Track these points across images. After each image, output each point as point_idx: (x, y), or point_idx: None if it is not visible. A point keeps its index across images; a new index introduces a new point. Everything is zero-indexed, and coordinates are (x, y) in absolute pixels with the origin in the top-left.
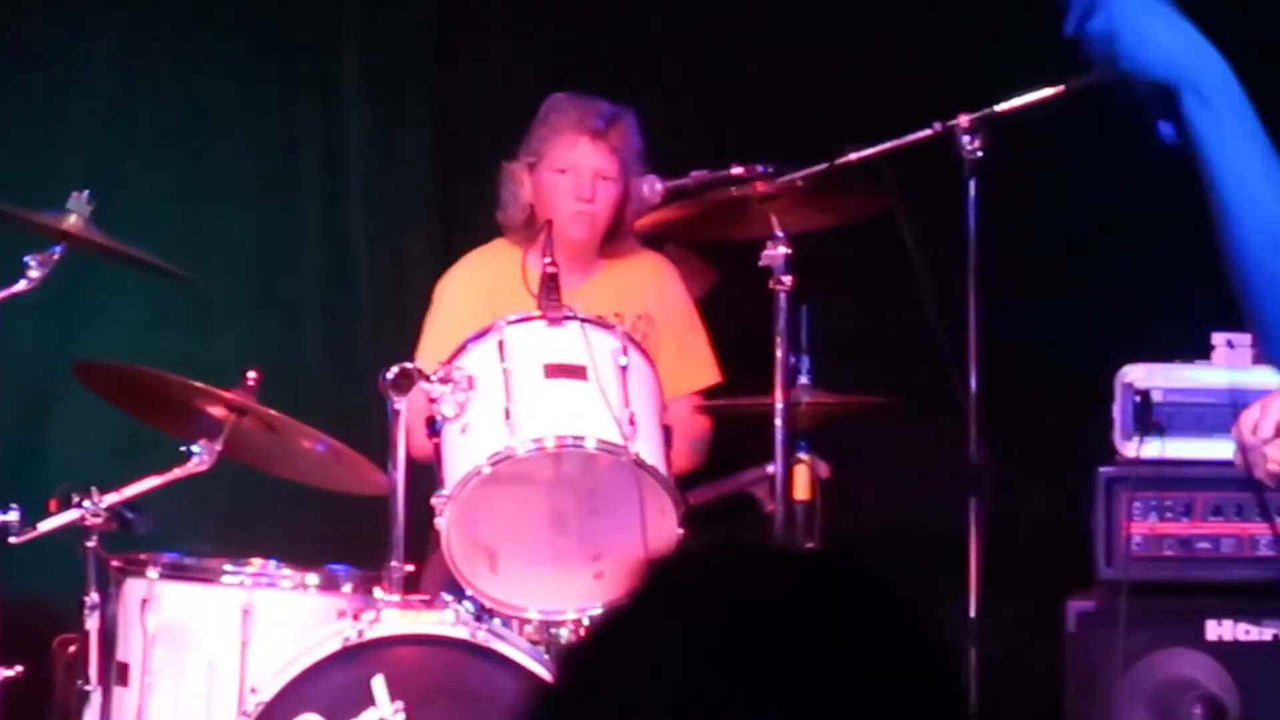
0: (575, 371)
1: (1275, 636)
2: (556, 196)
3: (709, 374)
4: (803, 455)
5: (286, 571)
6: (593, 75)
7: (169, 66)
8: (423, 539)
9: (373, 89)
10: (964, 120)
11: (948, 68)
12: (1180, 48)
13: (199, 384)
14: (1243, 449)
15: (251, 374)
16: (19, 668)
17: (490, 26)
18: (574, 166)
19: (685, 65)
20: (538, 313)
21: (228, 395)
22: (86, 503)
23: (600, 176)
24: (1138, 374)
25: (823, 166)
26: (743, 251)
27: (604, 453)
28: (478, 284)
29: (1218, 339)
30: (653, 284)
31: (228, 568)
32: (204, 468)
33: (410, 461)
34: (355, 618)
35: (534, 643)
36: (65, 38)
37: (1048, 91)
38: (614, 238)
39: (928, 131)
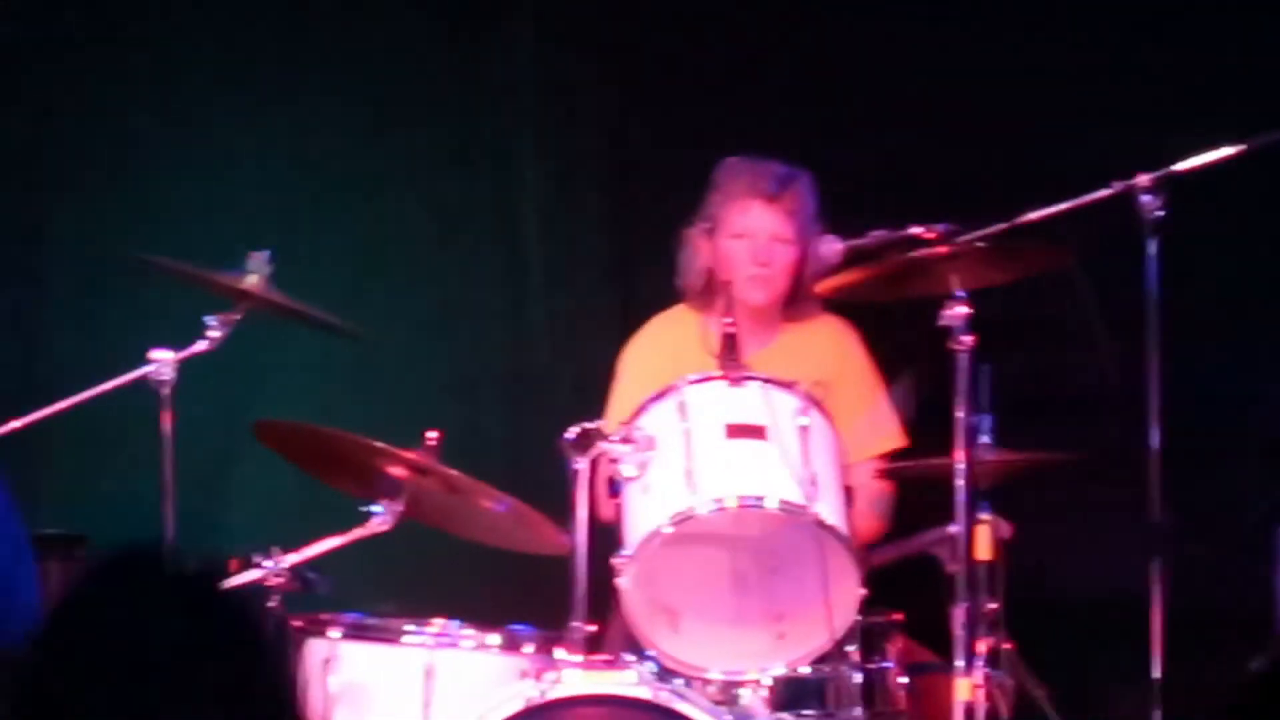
0: (756, 431)
1: None
2: (734, 262)
3: (892, 438)
4: (984, 515)
5: (468, 631)
6: (768, 137)
7: (346, 128)
8: (604, 599)
9: (551, 151)
10: (1144, 180)
11: (1126, 126)
12: None
13: (380, 444)
14: None
15: (432, 434)
16: None
17: (668, 89)
18: (750, 231)
19: (861, 125)
20: (718, 373)
21: (409, 455)
22: (268, 563)
23: (777, 240)
24: None
25: (1003, 226)
26: (921, 309)
27: (785, 513)
28: (661, 348)
29: None
30: (832, 348)
31: (409, 628)
32: (385, 528)
33: (591, 521)
34: (537, 678)
35: (716, 703)
36: (242, 99)
37: (1229, 150)
38: (794, 301)
39: (1107, 191)
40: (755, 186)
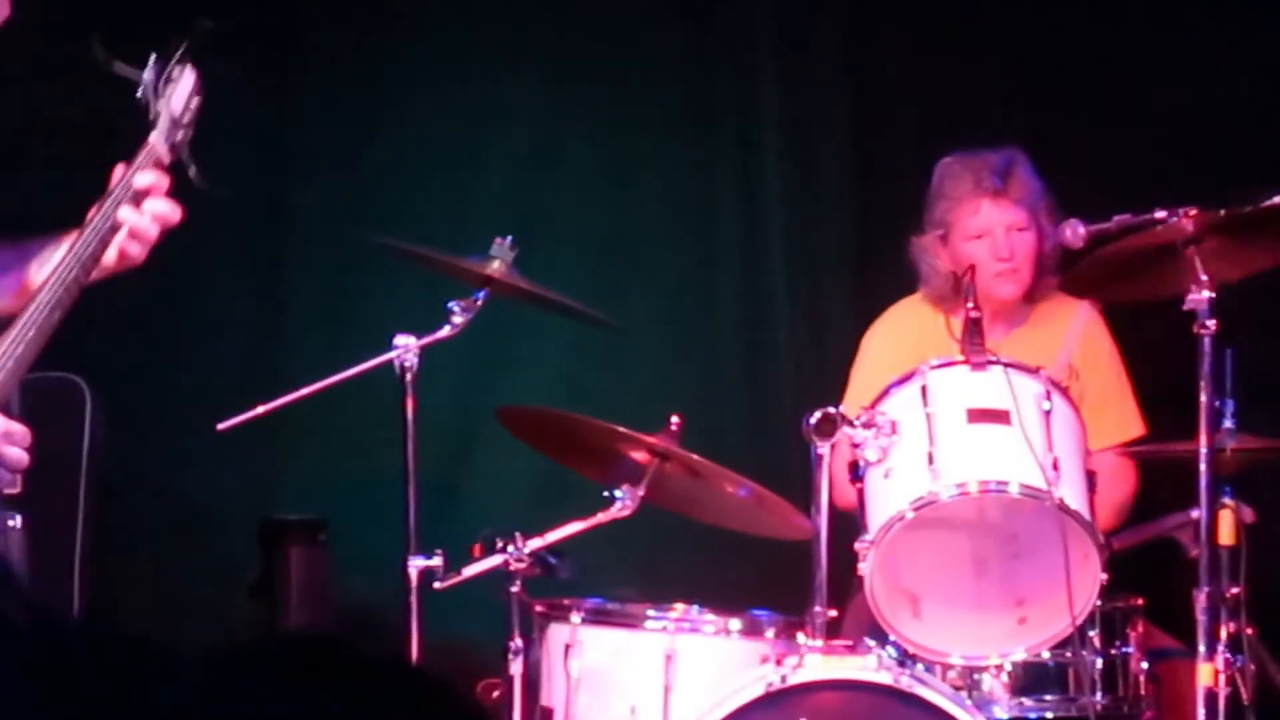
0: (999, 416)
1: None
2: (977, 261)
3: (1134, 426)
4: (1227, 500)
5: (709, 616)
6: (996, 123)
7: (589, 113)
8: (844, 583)
9: (792, 139)
10: None
11: None
12: None
13: (622, 428)
14: None
15: (674, 419)
16: None
17: (908, 77)
18: (986, 230)
19: (1091, 111)
20: (961, 358)
21: (651, 440)
22: (510, 548)
23: (1013, 230)
24: None
25: (1248, 208)
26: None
27: (1027, 498)
28: (904, 334)
29: None
30: (1077, 335)
31: (650, 613)
32: (627, 512)
33: (831, 506)
34: (778, 663)
35: (957, 688)
36: (487, 85)
37: None
38: (1040, 282)
39: None
40: (980, 184)
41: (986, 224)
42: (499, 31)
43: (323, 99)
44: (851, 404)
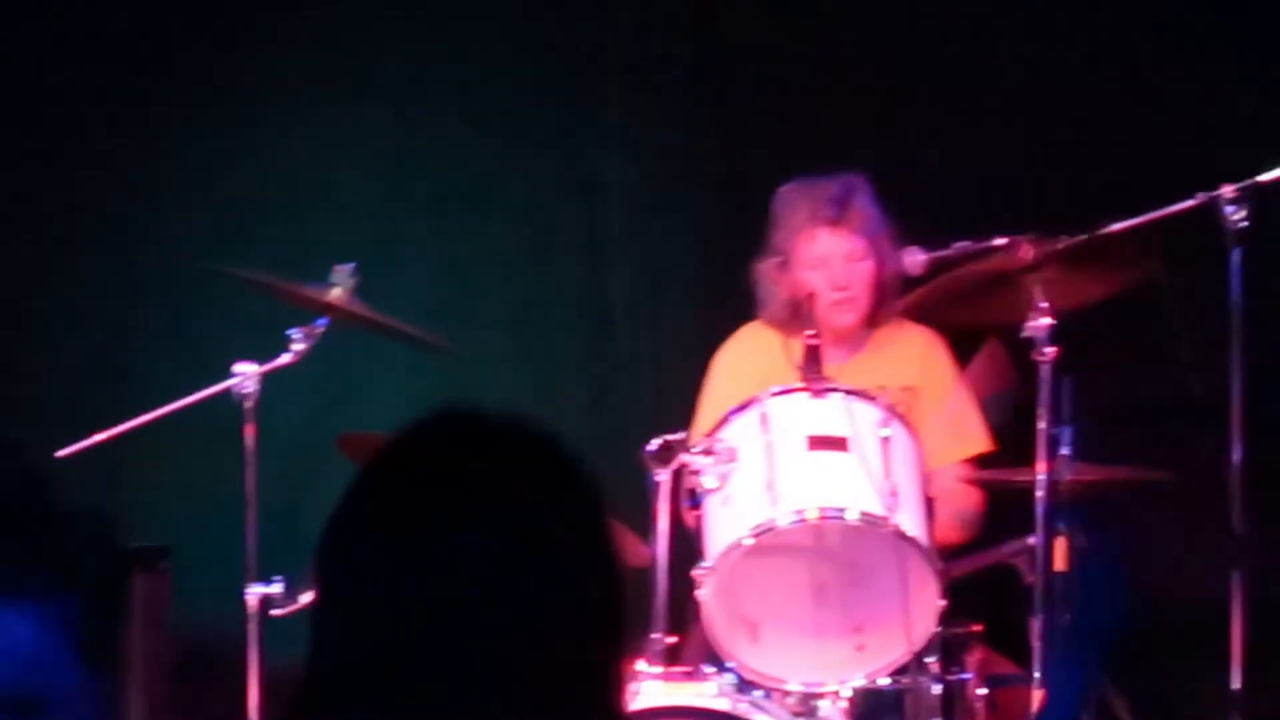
0: (838, 443)
1: None
2: (814, 290)
3: (978, 441)
4: (1063, 527)
5: None
6: (837, 154)
7: (435, 142)
8: (684, 611)
9: (637, 165)
10: (1228, 190)
11: (1211, 137)
12: None
13: None
14: None
15: None
16: None
17: (756, 101)
18: (823, 259)
19: (937, 138)
20: (800, 385)
21: None
22: None
23: (850, 260)
24: None
25: (1086, 236)
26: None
27: (866, 525)
28: (749, 358)
29: None
30: (918, 355)
31: None
32: None
33: (672, 533)
34: None
35: (795, 714)
36: (334, 110)
37: None
38: (880, 309)
39: (1191, 202)
40: (816, 213)
41: (824, 253)
42: (345, 61)
43: (167, 124)
44: (700, 428)
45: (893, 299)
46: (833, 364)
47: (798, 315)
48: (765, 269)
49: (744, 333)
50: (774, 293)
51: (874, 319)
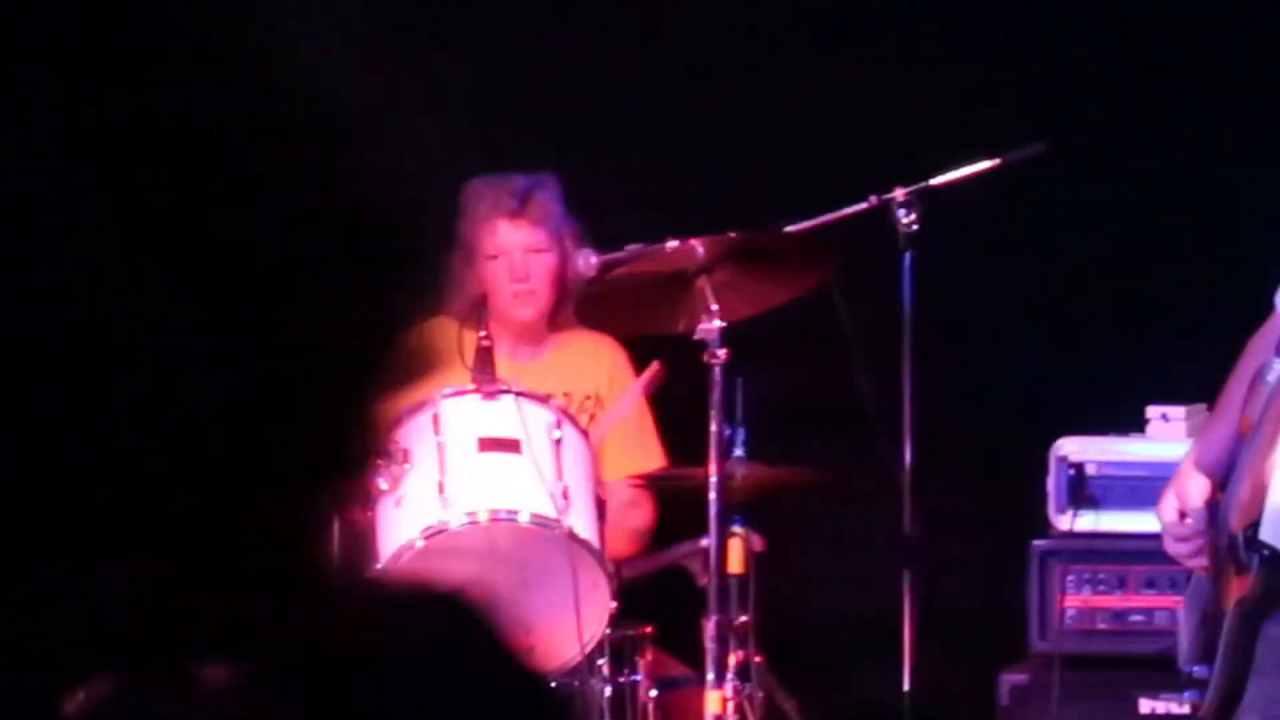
0: (509, 445)
1: (1192, 706)
2: (496, 282)
3: (653, 459)
4: (736, 528)
5: None
6: (526, 151)
7: None
8: None
9: None
10: (899, 193)
11: (884, 141)
12: None
13: None
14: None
15: None
16: None
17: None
18: (502, 249)
19: (620, 138)
20: (473, 386)
21: None
22: None
23: (530, 251)
24: (1072, 447)
25: (759, 234)
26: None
27: (537, 526)
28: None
29: (1152, 412)
30: (604, 366)
31: None
32: None
33: (358, 535)
34: None
35: None
36: None
37: (983, 165)
38: (561, 311)
39: (863, 205)
40: (498, 204)
41: (504, 244)
42: None
43: None
44: None
45: (573, 298)
46: (515, 363)
47: (479, 310)
48: (450, 262)
49: (423, 330)
50: (460, 287)
51: (555, 316)
